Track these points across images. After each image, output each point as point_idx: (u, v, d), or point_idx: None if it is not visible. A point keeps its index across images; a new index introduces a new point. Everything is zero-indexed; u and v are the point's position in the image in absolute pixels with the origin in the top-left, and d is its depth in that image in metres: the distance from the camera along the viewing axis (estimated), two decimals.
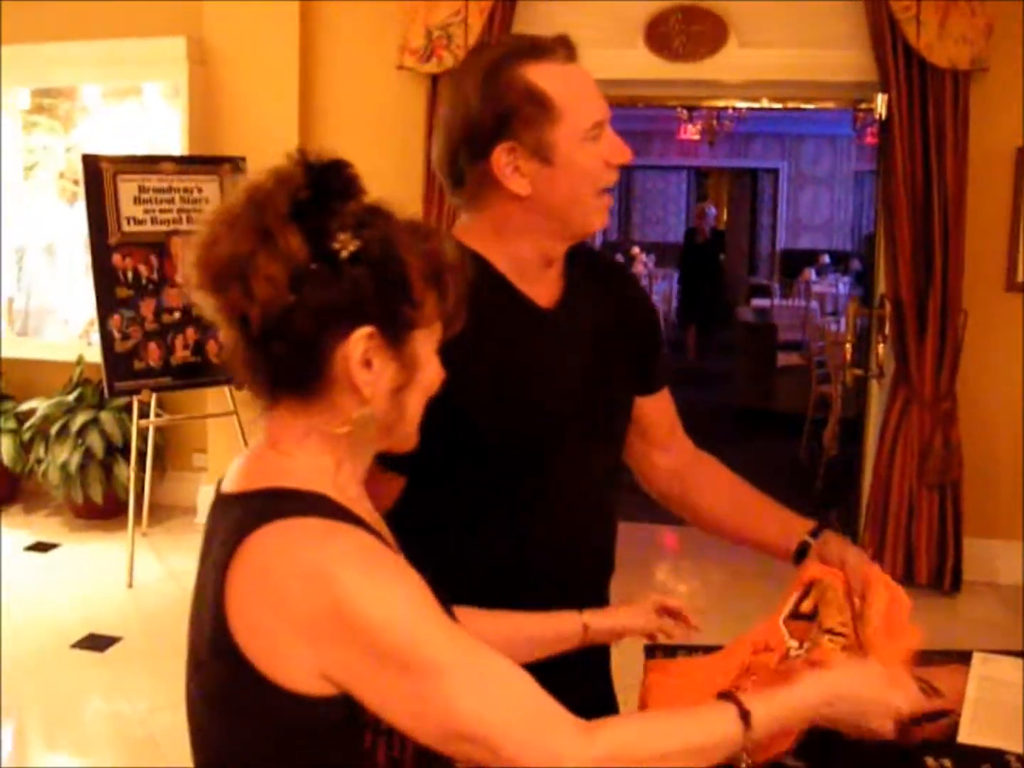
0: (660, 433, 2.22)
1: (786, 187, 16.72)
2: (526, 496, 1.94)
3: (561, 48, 1.85)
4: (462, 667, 1.29)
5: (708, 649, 2.07)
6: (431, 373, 1.45)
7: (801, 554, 2.06)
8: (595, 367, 2.01)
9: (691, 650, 2.09)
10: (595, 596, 2.06)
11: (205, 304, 1.37)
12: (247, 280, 1.31)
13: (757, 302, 12.51)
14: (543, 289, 1.96)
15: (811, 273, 13.75)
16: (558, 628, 1.82)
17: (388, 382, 1.39)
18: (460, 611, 1.61)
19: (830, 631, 1.79)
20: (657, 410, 2.20)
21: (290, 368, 1.36)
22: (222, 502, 1.43)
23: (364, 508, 1.46)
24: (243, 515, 1.34)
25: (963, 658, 2.08)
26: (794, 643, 1.85)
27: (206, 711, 1.39)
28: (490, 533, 1.94)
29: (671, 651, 2.10)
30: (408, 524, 1.74)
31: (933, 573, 5.64)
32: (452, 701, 1.27)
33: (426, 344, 1.43)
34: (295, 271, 1.31)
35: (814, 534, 2.06)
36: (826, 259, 14.84)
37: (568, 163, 1.83)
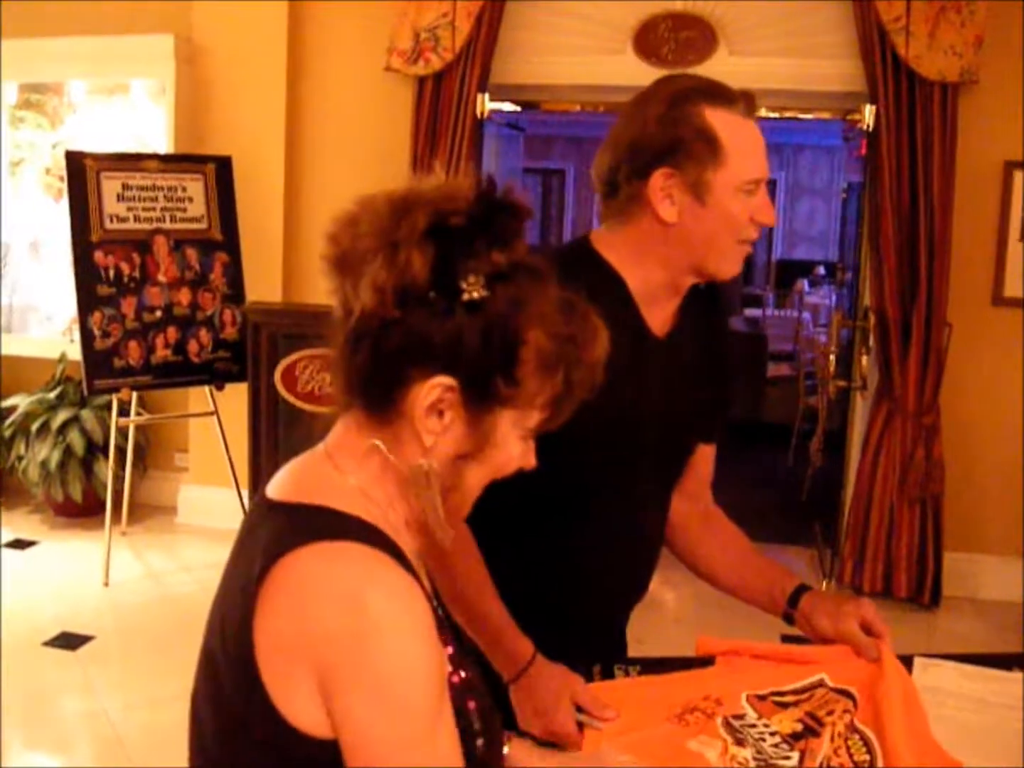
0: (693, 483, 2.25)
1: (783, 197, 16.70)
2: (592, 514, 2.01)
3: (744, 102, 1.90)
4: (427, 761, 1.24)
5: (662, 663, 2.05)
6: (505, 456, 1.38)
7: (789, 618, 2.11)
8: (683, 401, 2.06)
9: (648, 665, 2.06)
10: (622, 618, 2.22)
11: (325, 280, 1.34)
12: (359, 279, 1.28)
13: (749, 312, 12.49)
14: (660, 317, 2.03)
15: (804, 284, 13.72)
16: None
17: (453, 443, 1.33)
18: None
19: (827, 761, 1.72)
20: (700, 460, 2.24)
21: (366, 379, 1.32)
22: (266, 506, 1.37)
23: (410, 547, 1.40)
24: (286, 528, 1.30)
25: (905, 664, 1.99)
26: (753, 714, 1.83)
27: (209, 717, 1.35)
28: (547, 542, 2.01)
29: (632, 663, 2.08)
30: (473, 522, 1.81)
31: (913, 587, 5.62)
32: None
33: (511, 425, 1.35)
34: (407, 291, 1.26)
35: (792, 602, 2.10)
36: (821, 270, 14.81)
37: (718, 206, 1.89)
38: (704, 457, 2.25)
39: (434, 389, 1.29)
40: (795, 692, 1.87)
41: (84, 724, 4.18)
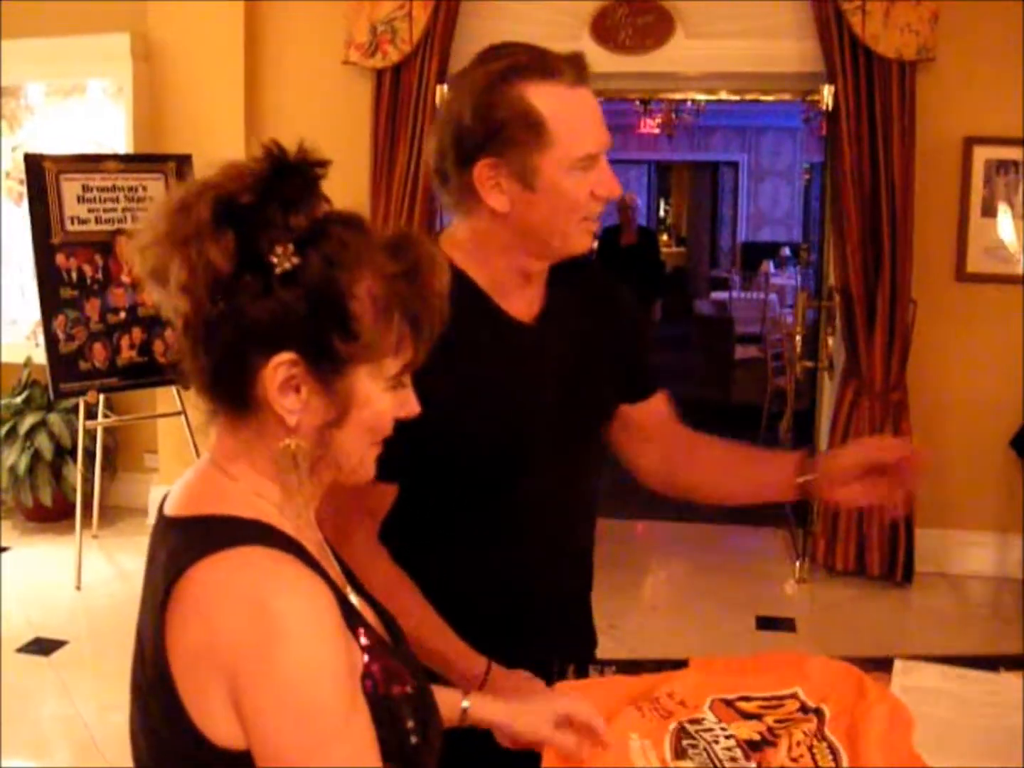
0: (649, 431, 2.19)
1: (746, 180, 16.74)
2: (500, 510, 1.94)
3: (571, 69, 1.78)
4: (341, 762, 1.22)
5: (637, 664, 2.03)
6: (374, 413, 1.33)
7: (801, 487, 2.03)
8: (573, 381, 1.98)
9: (623, 666, 2.05)
10: (574, 610, 2.12)
11: (152, 294, 1.29)
12: (168, 284, 1.24)
13: (716, 295, 12.53)
14: (522, 304, 1.94)
15: (769, 265, 13.77)
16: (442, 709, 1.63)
17: (315, 415, 1.30)
18: None
19: None
20: (648, 413, 2.19)
21: (215, 383, 1.29)
22: (163, 526, 1.35)
23: (312, 539, 1.38)
24: (183, 544, 1.27)
25: (884, 665, 1.98)
26: (713, 718, 1.78)
27: (144, 743, 1.33)
28: (464, 546, 1.95)
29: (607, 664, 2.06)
30: (392, 536, 1.82)
31: (885, 565, 5.65)
32: None
33: (370, 380, 1.31)
34: (216, 282, 1.22)
35: (805, 470, 2.02)
36: (786, 251, 14.86)
37: (550, 189, 1.79)
38: (651, 409, 2.18)
39: (279, 368, 1.26)
40: (764, 699, 1.83)
41: (60, 728, 4.16)
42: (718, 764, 1.67)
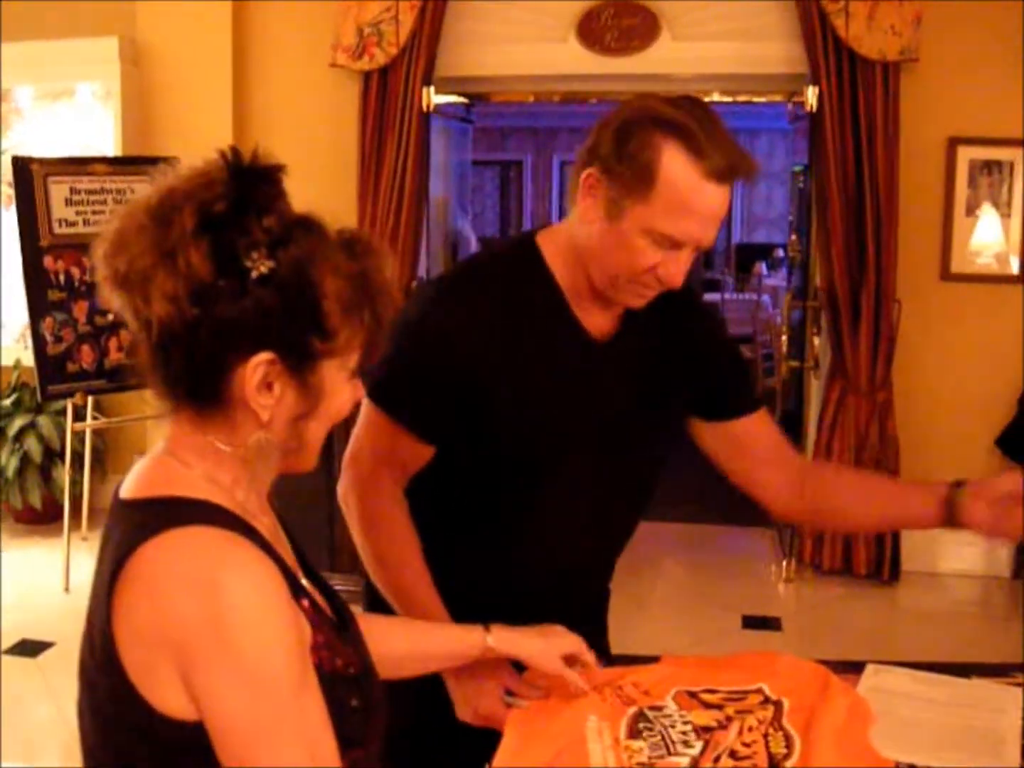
0: (760, 451, 2.18)
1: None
2: (527, 511, 1.99)
3: (722, 164, 1.77)
4: (297, 740, 1.25)
5: (610, 660, 2.06)
6: (338, 402, 1.40)
7: (949, 512, 2.02)
8: (632, 403, 2.00)
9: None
10: (587, 614, 2.14)
11: (111, 299, 1.32)
12: (147, 292, 1.26)
13: (709, 296, 12.51)
14: (599, 319, 1.96)
15: (762, 267, 13.77)
16: (458, 646, 1.80)
17: (288, 409, 1.35)
18: (367, 617, 1.68)
19: (733, 753, 1.70)
20: (750, 433, 2.17)
21: (187, 381, 1.32)
22: (118, 508, 1.38)
23: (266, 524, 1.42)
24: (136, 524, 1.30)
25: (856, 668, 2.01)
26: (673, 706, 1.82)
27: (89, 720, 1.36)
28: (487, 539, 2.01)
29: None
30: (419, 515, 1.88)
31: (872, 563, 5.67)
32: (262, 753, 1.24)
33: (336, 373, 1.37)
34: (197, 287, 1.26)
35: (957, 486, 2.02)
36: (780, 252, 14.86)
37: (622, 235, 1.82)
38: (753, 428, 2.18)
39: (258, 368, 1.30)
40: (728, 692, 1.86)
41: (47, 730, 4.17)
42: (670, 746, 1.70)
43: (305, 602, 1.39)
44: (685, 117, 1.77)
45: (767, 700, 1.83)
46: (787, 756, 1.68)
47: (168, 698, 1.24)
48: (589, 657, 1.83)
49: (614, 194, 1.79)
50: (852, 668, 2.01)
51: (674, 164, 1.76)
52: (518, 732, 1.73)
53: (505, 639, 1.78)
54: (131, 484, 1.39)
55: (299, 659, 1.28)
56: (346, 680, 1.39)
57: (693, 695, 1.85)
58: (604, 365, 1.96)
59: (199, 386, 1.32)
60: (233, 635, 1.21)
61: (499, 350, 1.65)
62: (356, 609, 1.68)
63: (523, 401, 1.90)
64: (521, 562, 2.01)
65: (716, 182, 1.77)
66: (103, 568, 1.32)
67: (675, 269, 1.83)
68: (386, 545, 1.91)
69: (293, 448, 1.39)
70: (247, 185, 1.30)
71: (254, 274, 1.27)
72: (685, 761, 1.67)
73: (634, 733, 1.74)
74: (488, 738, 1.73)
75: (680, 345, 2.07)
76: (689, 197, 1.77)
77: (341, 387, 1.39)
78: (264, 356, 1.29)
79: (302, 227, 1.32)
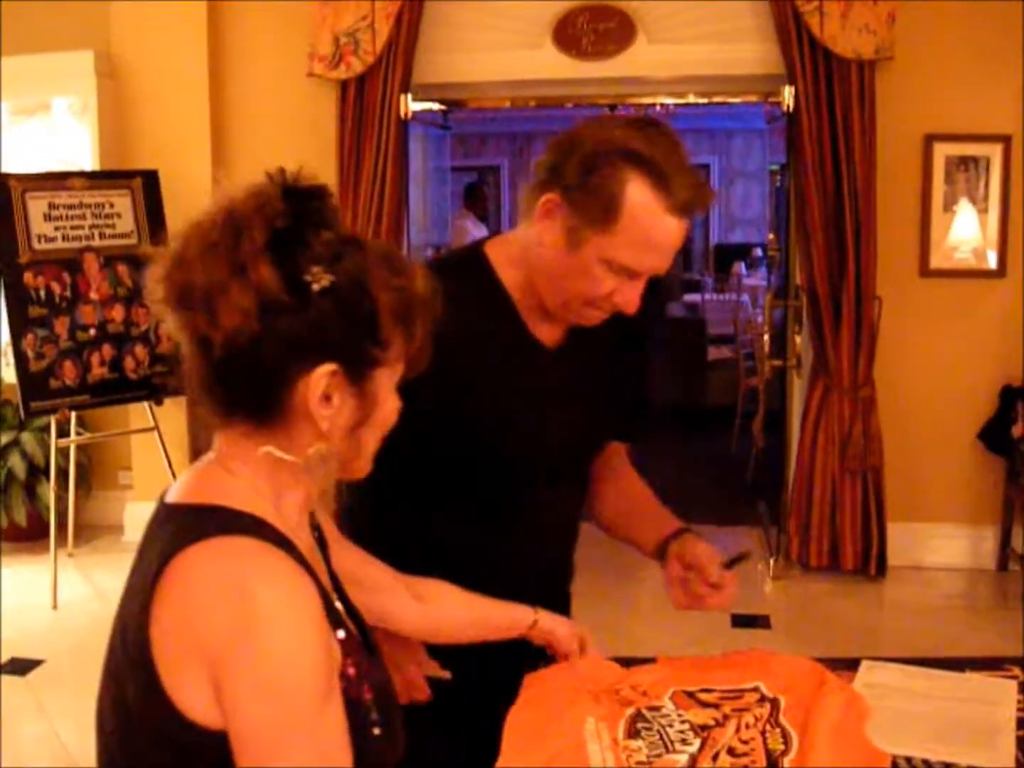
0: (599, 466, 2.25)
1: (718, 182, 16.78)
2: (492, 517, 2.00)
3: (685, 199, 1.78)
4: (313, 754, 1.27)
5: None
6: (388, 410, 1.44)
7: (662, 553, 2.09)
8: (577, 413, 2.03)
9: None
10: (552, 602, 2.13)
11: (166, 318, 1.36)
12: (214, 307, 1.29)
13: (688, 297, 12.55)
14: (548, 329, 1.98)
15: (741, 267, 13.80)
16: (514, 618, 1.93)
17: (346, 419, 1.38)
18: (432, 583, 1.86)
19: (732, 750, 1.72)
20: (605, 452, 2.24)
21: (248, 395, 1.35)
22: (162, 512, 1.41)
23: (305, 541, 1.45)
24: (179, 529, 1.33)
25: (852, 665, 2.03)
26: (671, 706, 1.84)
27: (112, 719, 1.37)
28: (460, 545, 2.01)
29: None
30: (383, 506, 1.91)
31: (859, 559, 5.69)
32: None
33: (387, 382, 1.42)
34: (266, 301, 1.29)
35: (675, 535, 2.09)
36: (758, 252, 14.90)
37: (581, 264, 1.82)
38: (617, 448, 2.26)
39: (321, 380, 1.33)
40: (725, 691, 1.88)
41: (38, 748, 4.15)
42: (668, 744, 1.72)
43: (341, 633, 1.41)
44: (651, 149, 1.77)
45: (764, 698, 1.84)
46: (785, 753, 1.69)
47: (195, 703, 1.26)
48: (591, 646, 1.97)
49: (575, 223, 1.80)
50: (847, 665, 2.03)
51: (639, 198, 1.76)
52: (518, 735, 1.73)
53: (548, 619, 1.95)
54: (178, 490, 1.42)
55: (325, 675, 1.29)
56: (372, 709, 1.41)
57: (690, 695, 1.87)
58: (555, 371, 1.98)
59: (261, 399, 1.35)
60: (261, 645, 1.24)
61: (451, 357, 1.64)
62: (415, 579, 1.85)
63: (478, 407, 1.91)
64: (488, 568, 2.01)
65: (678, 216, 1.79)
66: (144, 569, 1.34)
67: (631, 296, 1.85)
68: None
69: (350, 457, 1.44)
70: (302, 202, 1.34)
71: (315, 287, 1.31)
72: (683, 759, 1.68)
73: (632, 733, 1.75)
74: (490, 746, 1.73)
75: (620, 362, 2.12)
76: (651, 232, 1.78)
77: (390, 395, 1.44)
78: (327, 368, 1.33)
79: (351, 243, 1.37)
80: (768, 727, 1.75)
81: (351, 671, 1.40)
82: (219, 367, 1.33)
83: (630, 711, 1.82)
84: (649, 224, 1.77)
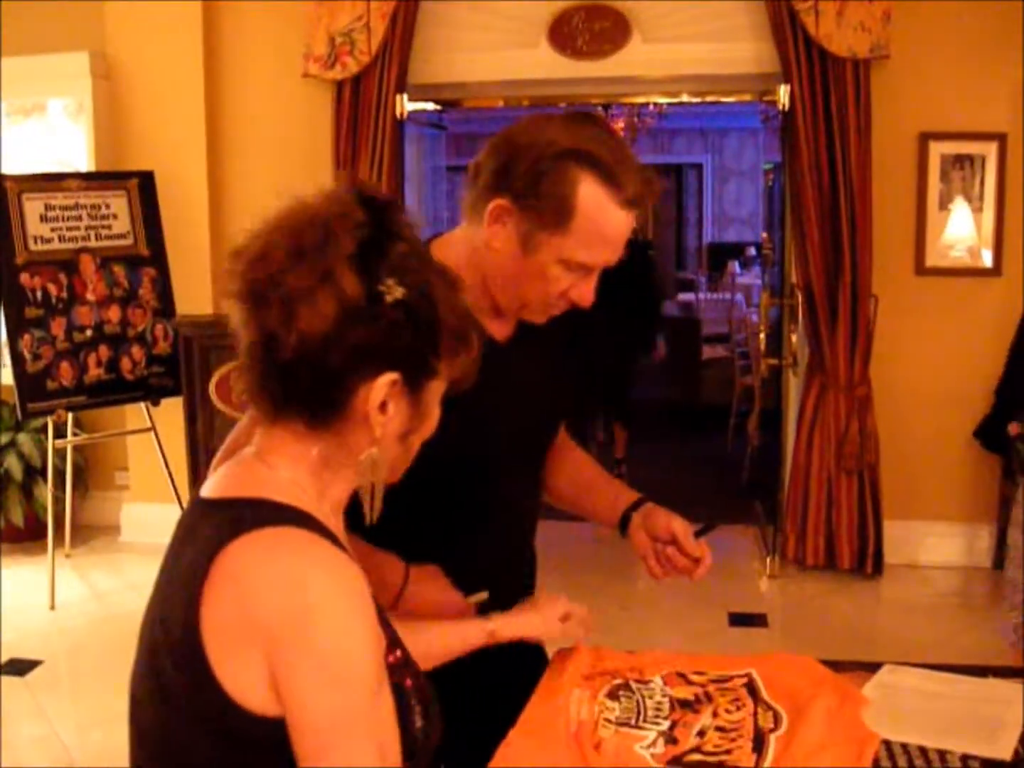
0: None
1: (711, 181, 16.81)
2: (458, 513, 2.02)
3: (635, 192, 1.80)
4: (370, 740, 1.29)
5: None
6: (433, 420, 1.49)
7: (624, 525, 2.15)
8: (533, 404, 2.06)
9: None
10: (519, 589, 2.18)
11: (232, 312, 1.38)
12: (295, 309, 1.32)
13: (683, 296, 12.57)
14: (498, 324, 2.00)
15: (735, 266, 13.83)
16: (466, 639, 1.90)
17: (397, 426, 1.42)
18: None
19: (721, 728, 1.76)
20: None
21: (309, 396, 1.37)
22: (201, 506, 1.43)
23: (338, 531, 1.46)
24: (225, 521, 1.34)
25: (872, 668, 2.05)
26: (659, 681, 1.91)
27: (153, 716, 1.38)
28: (427, 539, 2.01)
29: None
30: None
31: (855, 557, 5.70)
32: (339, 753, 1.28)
33: (437, 393, 1.45)
34: (347, 308, 1.32)
35: (635, 507, 2.15)
36: (752, 251, 14.93)
37: (536, 266, 1.84)
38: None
39: (382, 389, 1.36)
40: (716, 676, 1.94)
41: (37, 749, 4.15)
42: (643, 713, 1.80)
43: (380, 617, 1.44)
44: (598, 147, 1.78)
45: (751, 682, 1.91)
46: (773, 729, 1.74)
47: (249, 691, 1.28)
48: (578, 609, 2.01)
49: (528, 227, 1.81)
50: (868, 668, 2.05)
51: (591, 197, 1.78)
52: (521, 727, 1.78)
53: (507, 624, 1.93)
54: (217, 484, 1.44)
55: (377, 662, 1.33)
56: (412, 696, 1.44)
57: (682, 675, 1.95)
58: (509, 366, 1.99)
59: (321, 402, 1.37)
60: (319, 633, 1.26)
61: None
62: None
63: (446, 406, 1.92)
64: (448, 563, 2.02)
65: (628, 210, 1.82)
66: (187, 562, 1.35)
67: (587, 289, 1.88)
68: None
69: (399, 464, 1.49)
70: (381, 213, 1.38)
71: (388, 298, 1.34)
72: (651, 735, 1.74)
73: (612, 695, 1.85)
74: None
75: (569, 354, 2.17)
76: (604, 227, 1.81)
77: (437, 407, 1.48)
78: (389, 377, 1.36)
79: (417, 256, 1.41)
80: (760, 709, 1.80)
81: (392, 659, 1.43)
82: (284, 367, 1.35)
83: (618, 681, 1.91)
84: (603, 220, 1.80)
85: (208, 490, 1.44)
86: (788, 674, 1.93)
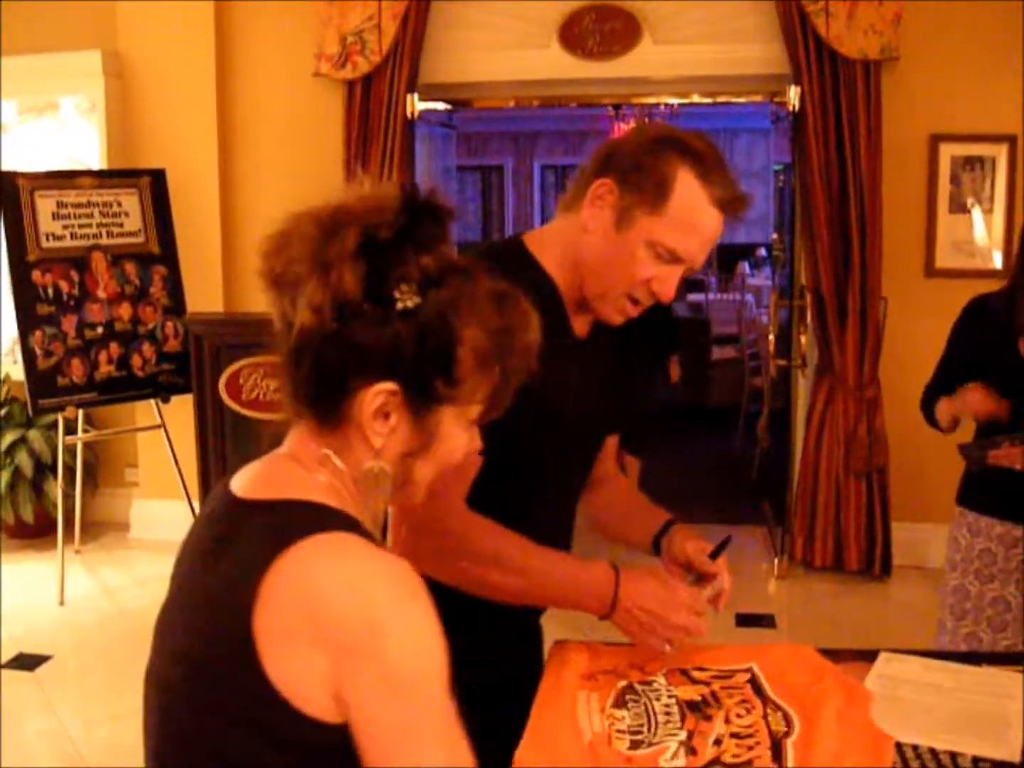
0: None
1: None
2: (525, 501, 2.03)
3: (725, 196, 1.87)
4: (438, 747, 1.27)
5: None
6: (450, 447, 1.43)
7: (656, 547, 2.17)
8: (604, 402, 2.10)
9: None
10: None
11: (265, 296, 1.38)
12: (296, 298, 1.32)
13: (692, 297, 12.55)
14: (580, 321, 2.04)
15: (745, 267, 13.81)
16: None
17: (400, 443, 1.38)
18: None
19: (736, 735, 1.75)
20: (604, 454, 2.31)
21: (311, 391, 1.36)
22: (240, 505, 1.38)
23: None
24: (276, 523, 1.32)
25: (869, 657, 2.05)
26: (663, 681, 1.90)
27: (197, 722, 1.33)
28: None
29: None
30: None
31: (863, 559, 5.70)
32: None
33: (454, 419, 1.40)
34: (342, 304, 1.30)
35: (664, 531, 2.17)
36: (762, 252, 14.89)
37: (627, 244, 1.89)
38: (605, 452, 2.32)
39: (378, 396, 1.34)
40: (718, 671, 1.94)
41: (45, 743, 4.16)
42: (652, 717, 1.78)
43: None
44: (699, 144, 1.88)
45: (753, 677, 1.91)
46: (788, 734, 1.73)
47: (312, 698, 1.25)
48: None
49: (627, 203, 1.87)
50: (865, 657, 2.05)
51: (687, 186, 1.85)
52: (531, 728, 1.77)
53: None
54: (252, 483, 1.41)
55: (446, 672, 1.29)
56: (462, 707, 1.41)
57: (684, 672, 1.93)
58: (584, 361, 2.04)
59: (321, 398, 1.36)
60: (390, 642, 1.24)
61: None
62: None
63: (523, 397, 1.93)
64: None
65: (719, 210, 1.87)
66: (230, 564, 1.32)
67: (669, 285, 1.91)
68: (495, 547, 1.93)
69: (402, 483, 1.43)
70: (415, 220, 1.34)
71: (399, 306, 1.31)
72: (672, 745, 1.72)
73: (620, 703, 1.83)
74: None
75: (636, 358, 2.21)
76: (697, 217, 1.86)
77: (456, 433, 1.42)
78: (387, 385, 1.33)
79: (459, 273, 1.37)
80: (770, 710, 1.80)
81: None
82: (293, 355, 1.35)
83: (622, 683, 1.89)
84: (696, 211, 1.86)
85: (243, 490, 1.40)
86: (788, 667, 1.93)
